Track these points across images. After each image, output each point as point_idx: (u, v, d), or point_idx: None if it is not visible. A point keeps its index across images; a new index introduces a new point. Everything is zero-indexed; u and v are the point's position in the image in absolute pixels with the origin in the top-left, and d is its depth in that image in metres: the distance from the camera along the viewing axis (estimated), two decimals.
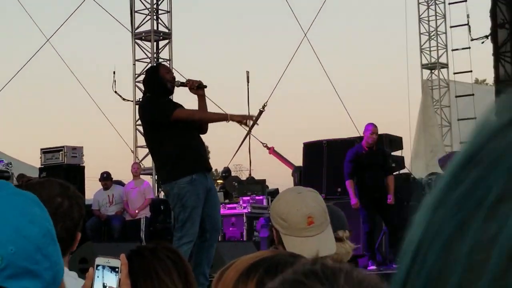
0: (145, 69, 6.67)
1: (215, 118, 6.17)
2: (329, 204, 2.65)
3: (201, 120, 6.03)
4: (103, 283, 1.67)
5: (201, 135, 6.07)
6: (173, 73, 6.25)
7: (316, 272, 0.82)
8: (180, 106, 6.04)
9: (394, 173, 10.31)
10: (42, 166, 11.17)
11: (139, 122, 15.92)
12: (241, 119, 6.17)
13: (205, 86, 6.09)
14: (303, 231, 2.30)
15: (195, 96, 6.08)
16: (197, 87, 6.03)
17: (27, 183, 2.16)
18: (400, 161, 11.68)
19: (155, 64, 6.43)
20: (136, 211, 11.48)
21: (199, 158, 5.97)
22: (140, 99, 16.07)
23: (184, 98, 6.77)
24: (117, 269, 1.70)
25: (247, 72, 16.76)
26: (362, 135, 10.43)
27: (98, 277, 1.68)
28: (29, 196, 1.13)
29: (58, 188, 2.17)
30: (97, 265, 1.70)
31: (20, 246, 1.05)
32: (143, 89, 16.33)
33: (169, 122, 5.83)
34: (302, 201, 2.34)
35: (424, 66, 22.07)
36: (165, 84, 6.05)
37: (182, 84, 6.09)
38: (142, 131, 15.68)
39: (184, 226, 5.83)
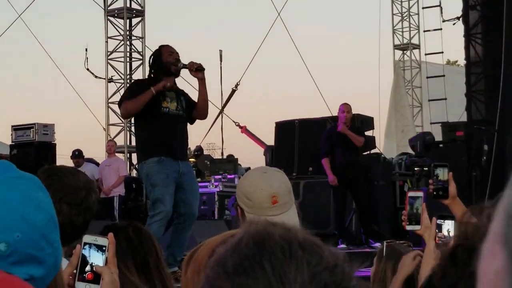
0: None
1: (142, 99, 5.95)
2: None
3: (133, 110, 6.04)
4: (90, 262, 1.69)
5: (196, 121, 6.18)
6: (176, 54, 6.20)
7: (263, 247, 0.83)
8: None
9: (364, 153, 10.41)
10: (13, 143, 11.09)
11: (111, 99, 15.88)
12: (161, 87, 5.93)
13: (204, 69, 6.08)
14: (267, 210, 2.33)
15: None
16: (196, 70, 6.03)
17: (57, 169, 2.20)
18: (371, 141, 11.78)
19: (158, 47, 6.37)
20: (110, 189, 11.47)
21: (168, 145, 6.00)
22: (112, 77, 16.06)
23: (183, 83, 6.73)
24: (104, 248, 1.71)
25: (220, 51, 16.75)
26: (334, 115, 10.50)
27: (84, 254, 1.70)
28: (33, 179, 1.12)
29: (85, 180, 2.22)
30: (84, 243, 1.72)
31: (26, 233, 1.05)
32: (115, 66, 16.28)
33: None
34: (267, 180, 2.36)
35: (396, 47, 22.19)
36: (168, 68, 6.10)
37: (184, 66, 6.09)
38: (113, 109, 15.67)
39: (154, 204, 5.88)
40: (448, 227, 2.34)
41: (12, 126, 11.14)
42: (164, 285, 2.63)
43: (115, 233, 1.80)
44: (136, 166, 6.24)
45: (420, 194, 2.69)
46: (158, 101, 6.00)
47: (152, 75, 6.27)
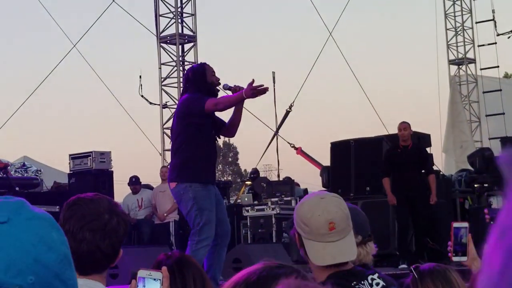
0: (189, 68, 6.52)
1: (233, 99, 5.84)
2: (351, 207, 2.64)
3: (225, 106, 5.90)
4: None
5: (229, 138, 6.09)
6: (217, 76, 6.11)
7: None
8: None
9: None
10: (71, 172, 11.23)
11: (166, 125, 16.00)
12: (254, 89, 5.75)
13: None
14: (324, 236, 2.29)
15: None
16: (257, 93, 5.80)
17: (78, 199, 2.21)
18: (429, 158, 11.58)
19: (199, 64, 6.29)
20: (165, 215, 11.50)
21: (213, 171, 6.04)
22: (167, 102, 16.19)
23: None
24: (158, 281, 1.75)
25: (273, 73, 16.74)
26: (390, 133, 10.38)
27: None
28: (46, 218, 1.12)
29: (107, 204, 2.21)
30: (139, 277, 1.76)
31: (39, 275, 1.05)
32: (169, 92, 16.41)
33: (199, 121, 5.84)
34: (325, 206, 2.33)
35: (451, 62, 21.89)
36: (210, 87, 5.98)
37: (229, 88, 5.97)
38: (168, 134, 15.79)
39: (202, 229, 5.83)
40: None
41: (70, 154, 11.28)
42: None
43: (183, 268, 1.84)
44: (172, 185, 6.09)
45: (466, 224, 2.62)
46: (209, 123, 5.93)
47: (187, 92, 6.05)
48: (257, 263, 1.55)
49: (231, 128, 6.08)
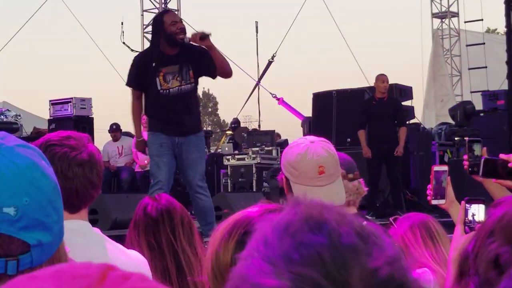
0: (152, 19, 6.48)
1: (133, 121, 6.38)
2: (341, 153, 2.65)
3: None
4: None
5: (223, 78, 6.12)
6: (181, 24, 6.05)
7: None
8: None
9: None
10: (51, 118, 11.14)
11: None
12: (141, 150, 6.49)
13: (208, 35, 5.87)
14: (313, 180, 2.28)
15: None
16: (200, 39, 5.86)
17: (50, 140, 2.18)
18: (410, 111, 11.61)
19: (159, 12, 6.22)
20: (146, 162, 11.48)
21: (165, 123, 6.13)
22: None
23: None
24: None
25: (256, 22, 16.61)
26: (371, 85, 10.37)
27: None
28: (34, 148, 1.12)
29: (78, 137, 2.21)
30: None
31: (34, 198, 1.05)
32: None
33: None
34: (314, 150, 2.31)
35: (434, 15, 21.82)
36: (168, 37, 5.96)
37: (190, 40, 5.94)
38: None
39: (151, 174, 6.24)
40: (474, 211, 2.27)
41: (50, 100, 11.18)
42: (178, 262, 2.60)
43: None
44: None
45: (445, 168, 2.63)
46: (155, 84, 6.03)
47: (154, 44, 6.15)
48: (248, 207, 1.53)
49: (220, 73, 6.11)
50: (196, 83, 6.14)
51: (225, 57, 6.20)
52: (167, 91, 6.06)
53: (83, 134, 2.24)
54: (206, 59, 5.99)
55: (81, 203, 2.14)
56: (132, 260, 2.19)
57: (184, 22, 6.30)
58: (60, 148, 2.12)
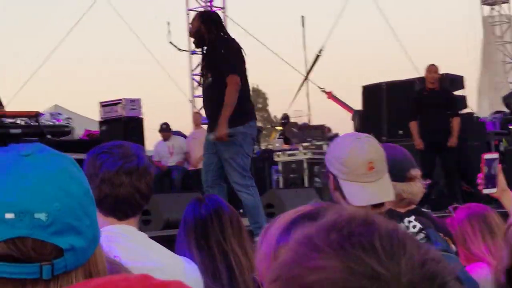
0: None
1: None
2: (396, 145, 2.60)
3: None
4: None
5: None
6: (190, 27, 6.27)
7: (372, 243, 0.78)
8: None
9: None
10: (102, 120, 11.22)
11: (195, 71, 15.90)
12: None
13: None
14: (363, 177, 2.23)
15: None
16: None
17: (102, 147, 2.22)
18: (462, 100, 11.39)
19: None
20: (198, 161, 11.49)
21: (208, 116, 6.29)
22: (194, 49, 16.04)
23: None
24: None
25: (302, 17, 16.51)
26: (421, 75, 10.20)
27: None
28: (67, 157, 1.15)
29: (131, 146, 2.23)
30: None
31: (65, 203, 1.07)
32: None
33: None
34: (362, 146, 2.27)
35: (484, 2, 21.43)
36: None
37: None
38: (197, 80, 15.71)
39: None
40: None
41: (100, 102, 11.27)
42: (228, 262, 2.59)
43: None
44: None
45: (496, 156, 2.54)
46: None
47: (223, 35, 6.06)
48: (291, 208, 1.47)
49: None
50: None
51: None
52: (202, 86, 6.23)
53: (135, 144, 2.27)
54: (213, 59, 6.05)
55: (129, 210, 2.16)
56: (178, 264, 2.19)
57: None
58: (109, 155, 2.14)
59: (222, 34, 6.02)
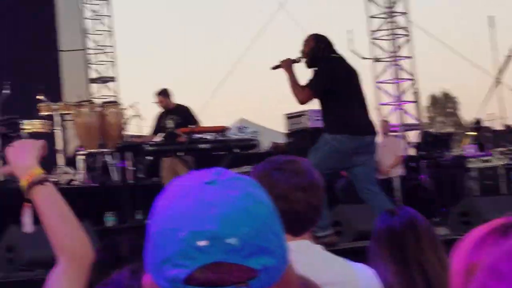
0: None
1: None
2: None
3: None
4: None
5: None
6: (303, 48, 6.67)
7: None
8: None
9: None
10: (289, 132, 11.27)
11: (379, 79, 15.61)
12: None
13: (295, 61, 6.57)
14: None
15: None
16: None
17: (273, 163, 2.22)
18: None
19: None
20: (388, 169, 11.20)
21: None
22: (377, 56, 15.77)
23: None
24: None
25: (490, 17, 15.75)
26: None
27: None
28: (247, 178, 1.18)
29: (302, 162, 2.24)
30: None
31: (253, 226, 1.10)
32: (380, 45, 16.02)
33: None
34: None
35: None
36: None
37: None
38: (383, 88, 15.40)
39: None
40: None
41: (285, 114, 11.31)
42: (425, 275, 2.54)
43: None
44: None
45: None
46: None
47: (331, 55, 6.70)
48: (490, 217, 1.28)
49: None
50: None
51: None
52: None
53: (304, 158, 2.28)
54: None
55: (304, 226, 2.18)
56: (353, 276, 2.15)
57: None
58: (282, 172, 2.16)
59: (332, 54, 6.61)
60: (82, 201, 7.87)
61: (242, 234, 1.08)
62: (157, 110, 10.02)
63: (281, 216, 2.10)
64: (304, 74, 6.58)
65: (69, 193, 8.62)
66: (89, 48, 15.66)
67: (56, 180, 9.17)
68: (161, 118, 9.83)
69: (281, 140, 11.91)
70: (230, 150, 8.69)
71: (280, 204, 2.23)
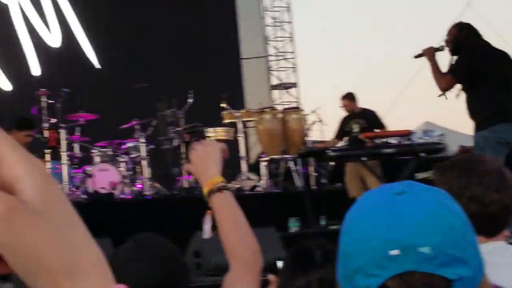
0: None
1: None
2: None
3: None
4: None
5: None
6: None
7: None
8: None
9: None
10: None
11: None
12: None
13: (438, 49, 6.69)
14: None
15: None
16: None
17: (464, 162, 2.18)
18: None
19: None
20: None
21: None
22: None
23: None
24: None
25: None
26: None
27: None
28: (439, 191, 1.18)
29: (492, 161, 2.20)
30: None
31: (446, 235, 1.09)
32: None
33: None
34: None
35: None
36: None
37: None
38: None
39: None
40: None
41: None
42: None
43: None
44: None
45: None
46: None
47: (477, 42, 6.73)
48: None
49: None
50: None
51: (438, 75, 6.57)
52: None
53: (492, 157, 2.30)
54: None
55: (498, 227, 2.13)
56: None
57: None
58: (473, 172, 2.12)
59: (476, 42, 6.58)
60: (265, 207, 7.93)
61: (435, 243, 1.08)
62: (341, 115, 9.91)
63: (473, 218, 2.00)
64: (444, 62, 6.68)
65: (252, 199, 8.81)
66: (270, 55, 15.80)
67: (239, 186, 9.27)
68: (345, 122, 9.73)
69: (470, 143, 11.40)
70: (415, 155, 8.44)
71: (473, 206, 2.10)
